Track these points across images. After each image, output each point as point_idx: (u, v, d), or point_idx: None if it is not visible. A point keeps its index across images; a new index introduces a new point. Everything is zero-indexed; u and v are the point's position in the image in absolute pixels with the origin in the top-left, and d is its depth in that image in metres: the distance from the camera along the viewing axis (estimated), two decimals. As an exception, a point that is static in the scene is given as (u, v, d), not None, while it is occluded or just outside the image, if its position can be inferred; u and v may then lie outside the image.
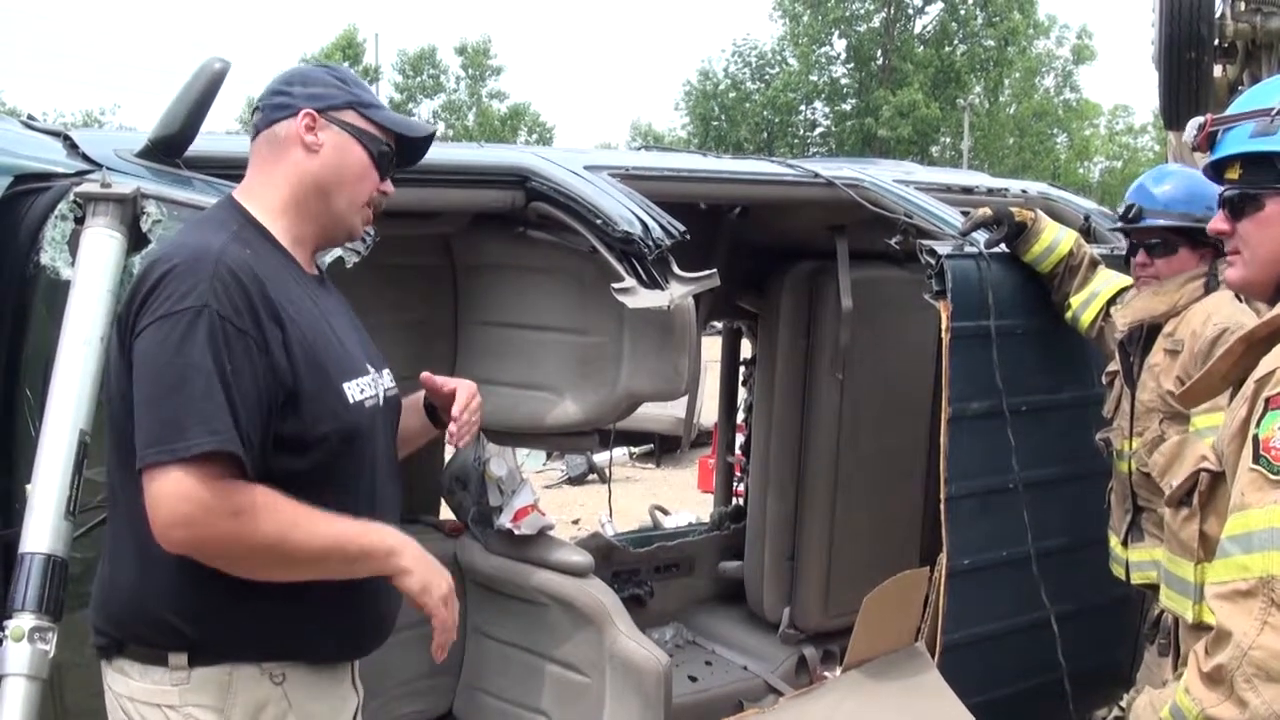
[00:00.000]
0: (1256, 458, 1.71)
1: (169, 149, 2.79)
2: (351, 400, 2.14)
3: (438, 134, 2.50)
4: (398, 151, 2.31)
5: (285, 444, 2.04)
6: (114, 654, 2.11)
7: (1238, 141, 2.01)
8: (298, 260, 2.22)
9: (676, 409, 8.53)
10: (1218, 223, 2.06)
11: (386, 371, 2.31)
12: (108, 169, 2.68)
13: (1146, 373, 3.47)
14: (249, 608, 2.06)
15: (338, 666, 2.22)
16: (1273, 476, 1.68)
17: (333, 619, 2.15)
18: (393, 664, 3.77)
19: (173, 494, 1.90)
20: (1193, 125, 2.12)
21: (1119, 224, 3.67)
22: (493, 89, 48.46)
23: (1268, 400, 1.73)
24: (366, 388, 2.19)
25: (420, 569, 2.13)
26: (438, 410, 2.52)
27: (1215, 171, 2.08)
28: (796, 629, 4.86)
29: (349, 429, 2.13)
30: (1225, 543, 1.73)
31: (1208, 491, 1.96)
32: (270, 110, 2.21)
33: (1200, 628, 1.78)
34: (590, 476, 10.71)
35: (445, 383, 2.46)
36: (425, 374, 2.49)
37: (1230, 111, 2.06)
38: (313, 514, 2.01)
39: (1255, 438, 1.73)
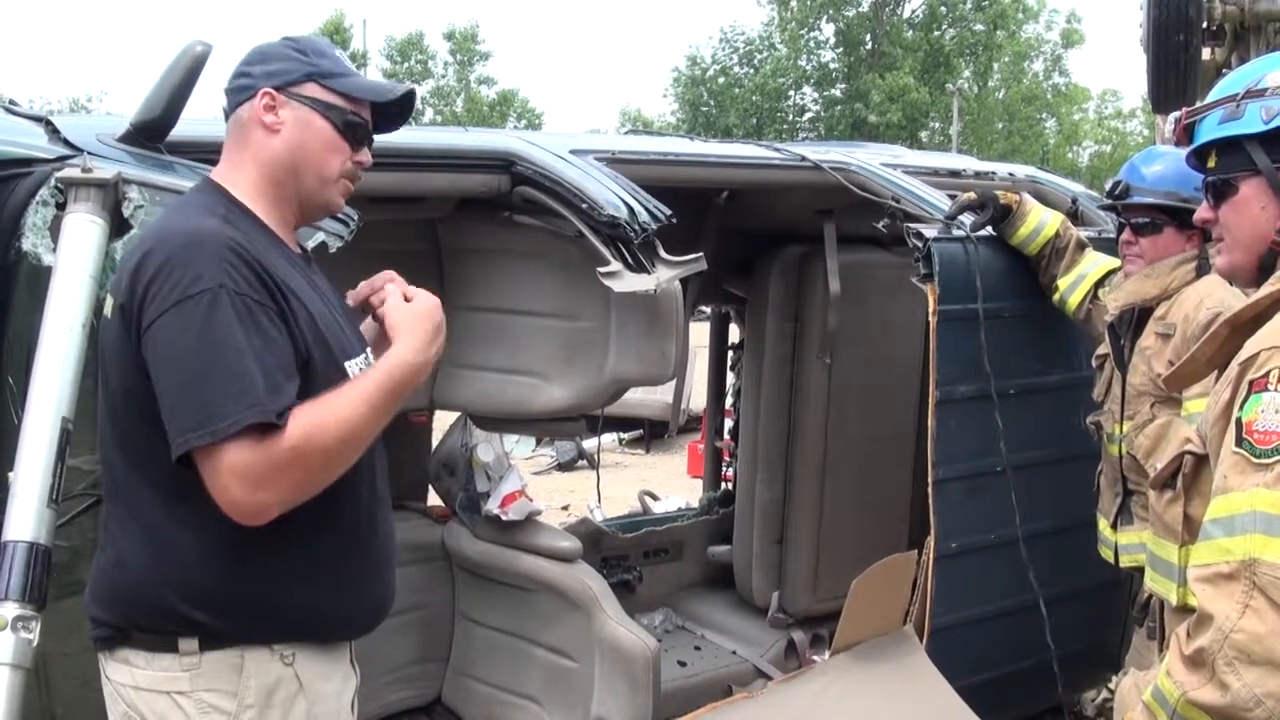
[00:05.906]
0: (1239, 441, 1.72)
1: (151, 133, 2.78)
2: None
3: (416, 100, 2.45)
4: (377, 117, 2.26)
5: None
6: (117, 644, 2.09)
7: (1210, 129, 2.02)
8: (284, 240, 2.20)
9: (665, 394, 8.53)
10: (1203, 211, 2.07)
11: (369, 350, 2.30)
12: (89, 154, 2.66)
13: (1138, 356, 3.47)
14: (259, 589, 2.06)
15: (340, 647, 2.23)
16: (1255, 459, 1.69)
17: (340, 596, 2.16)
18: (382, 650, 3.78)
19: (235, 469, 1.90)
20: (1171, 120, 2.14)
21: (1106, 200, 3.66)
22: (481, 75, 48.06)
23: (1251, 383, 1.74)
24: (363, 367, 2.19)
25: (424, 351, 2.14)
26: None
27: (1198, 161, 2.09)
28: (785, 613, 4.86)
29: None
30: (1208, 525, 1.73)
31: (1192, 474, 1.96)
32: (234, 94, 2.19)
33: (1184, 610, 1.78)
34: (579, 462, 10.73)
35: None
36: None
37: (1205, 101, 2.07)
38: (339, 396, 2.01)
39: (1238, 421, 1.73)
